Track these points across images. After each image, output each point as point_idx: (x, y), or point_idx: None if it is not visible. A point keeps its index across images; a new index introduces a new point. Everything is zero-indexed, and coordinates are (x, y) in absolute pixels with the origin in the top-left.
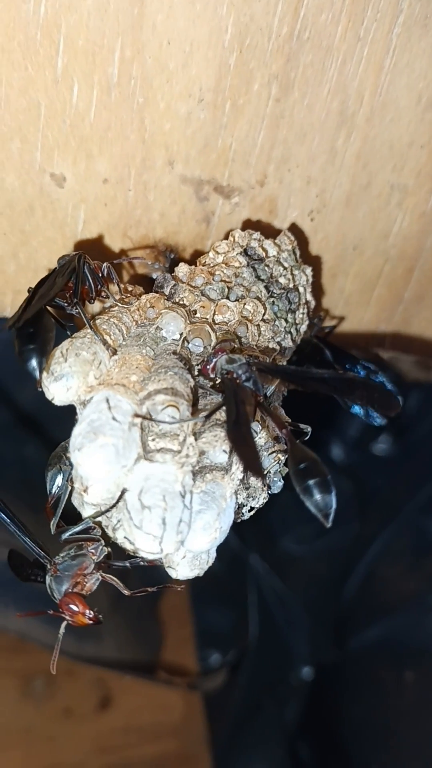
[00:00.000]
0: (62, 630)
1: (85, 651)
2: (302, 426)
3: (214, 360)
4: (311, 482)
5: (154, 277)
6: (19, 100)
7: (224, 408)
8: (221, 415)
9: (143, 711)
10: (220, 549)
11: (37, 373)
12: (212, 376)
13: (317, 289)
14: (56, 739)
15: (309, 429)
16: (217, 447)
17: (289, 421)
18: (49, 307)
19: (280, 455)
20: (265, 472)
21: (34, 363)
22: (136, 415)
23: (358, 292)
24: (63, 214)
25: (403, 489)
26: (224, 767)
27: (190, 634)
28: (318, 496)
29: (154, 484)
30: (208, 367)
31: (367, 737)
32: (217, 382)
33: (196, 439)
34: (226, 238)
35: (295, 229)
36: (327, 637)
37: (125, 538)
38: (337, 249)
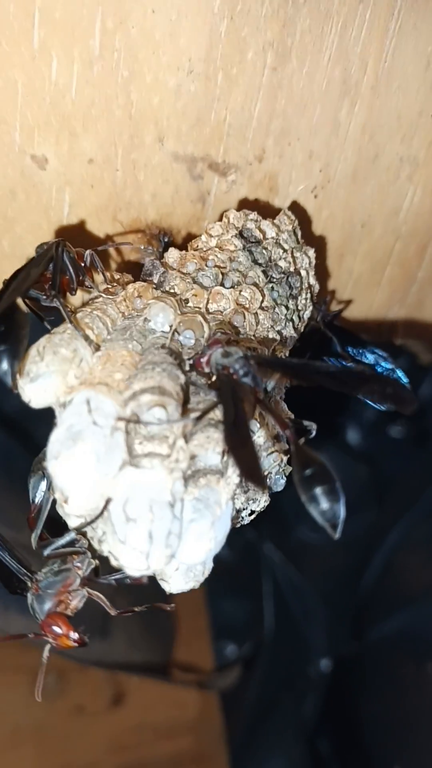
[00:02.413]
0: (45, 654)
1: (93, 649)
2: (306, 423)
3: (209, 353)
4: (318, 490)
5: (146, 263)
6: None
7: (218, 407)
8: (215, 414)
9: (157, 708)
10: (233, 538)
11: (8, 378)
12: (206, 370)
13: (323, 271)
14: (69, 737)
15: (314, 426)
16: (210, 449)
17: (292, 417)
18: (26, 300)
19: (281, 455)
20: (266, 474)
21: (4, 366)
22: (120, 419)
23: (368, 273)
24: (47, 198)
25: (420, 475)
26: (241, 765)
27: (204, 625)
28: (325, 505)
29: (140, 493)
30: (201, 360)
31: (388, 732)
32: (211, 377)
33: (186, 442)
34: (220, 219)
35: (297, 207)
36: (345, 628)
37: (110, 552)
38: (344, 227)
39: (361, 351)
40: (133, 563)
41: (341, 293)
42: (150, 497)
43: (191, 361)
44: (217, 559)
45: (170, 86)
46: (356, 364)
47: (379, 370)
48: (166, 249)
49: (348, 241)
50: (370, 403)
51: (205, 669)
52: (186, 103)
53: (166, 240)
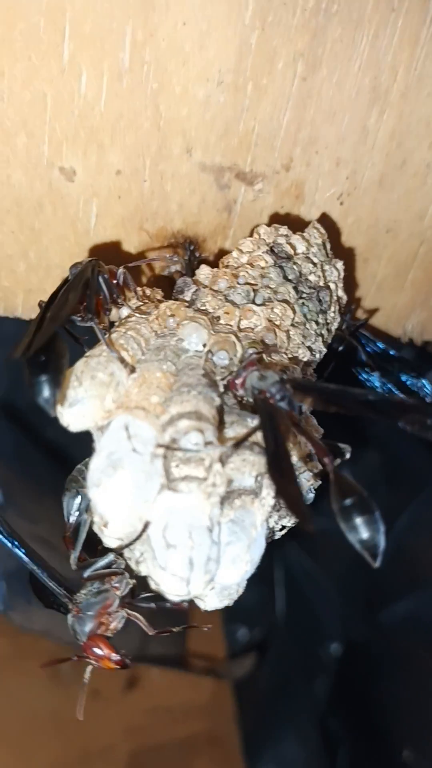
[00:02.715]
0: (87, 675)
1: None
2: (341, 446)
3: (244, 375)
4: (358, 520)
5: (173, 271)
6: (23, 92)
7: (256, 432)
8: (251, 437)
9: (171, 691)
10: None
11: (50, 407)
12: (240, 392)
13: (347, 276)
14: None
15: (349, 449)
16: (247, 473)
17: (322, 433)
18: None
19: (314, 474)
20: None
21: (46, 395)
22: (159, 446)
23: (392, 277)
24: (74, 210)
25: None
26: (254, 746)
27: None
28: (365, 535)
29: (179, 518)
30: (237, 382)
31: (399, 715)
32: (246, 399)
33: (223, 465)
34: (251, 234)
35: (322, 214)
36: (357, 612)
37: (150, 577)
38: (369, 233)
39: (390, 364)
40: (174, 589)
41: (364, 297)
42: (189, 523)
43: (225, 383)
44: (268, 541)
45: (199, 97)
46: (381, 373)
47: (403, 378)
48: (192, 258)
49: (373, 246)
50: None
51: (218, 654)
52: (215, 114)
53: (191, 248)
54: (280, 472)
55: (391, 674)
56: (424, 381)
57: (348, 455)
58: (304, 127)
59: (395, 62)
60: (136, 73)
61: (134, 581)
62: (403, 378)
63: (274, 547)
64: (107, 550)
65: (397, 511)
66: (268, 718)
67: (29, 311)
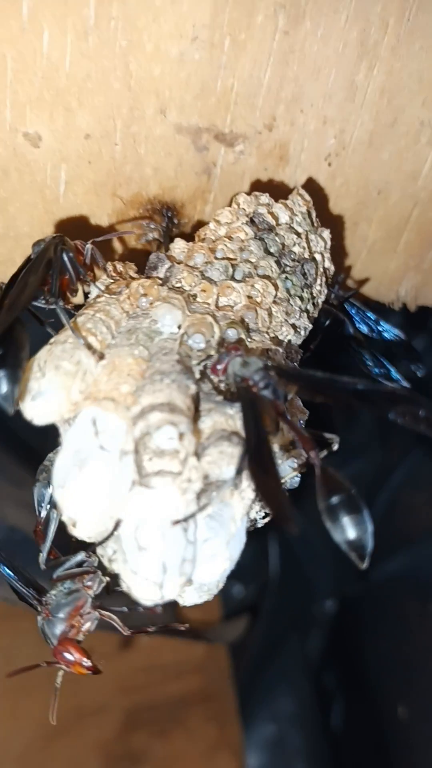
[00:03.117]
0: (58, 680)
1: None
2: (328, 436)
3: (226, 359)
4: (345, 519)
5: (150, 239)
6: None
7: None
8: (227, 424)
9: (165, 649)
10: None
11: (9, 404)
12: (222, 378)
13: (336, 240)
14: (79, 680)
15: (337, 439)
16: (224, 467)
17: (312, 431)
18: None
19: (299, 465)
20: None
21: (4, 391)
22: (125, 452)
23: (383, 240)
24: (42, 176)
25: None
26: (248, 702)
27: None
28: (353, 536)
29: (152, 518)
30: (218, 367)
31: (392, 670)
32: (225, 384)
33: (198, 459)
34: (230, 204)
35: (310, 181)
36: (349, 569)
37: (122, 580)
38: (358, 194)
39: (378, 330)
40: (146, 594)
41: (355, 262)
42: (162, 523)
43: (202, 368)
44: (249, 530)
45: (173, 55)
46: (369, 345)
47: (386, 336)
48: (169, 224)
49: (363, 209)
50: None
51: (213, 614)
52: (190, 72)
53: (169, 215)
54: (261, 468)
55: (383, 630)
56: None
57: (336, 446)
58: (287, 84)
59: (385, 13)
60: (103, 30)
61: (107, 578)
62: (386, 336)
63: None
64: (80, 546)
65: (390, 470)
66: (262, 674)
67: None
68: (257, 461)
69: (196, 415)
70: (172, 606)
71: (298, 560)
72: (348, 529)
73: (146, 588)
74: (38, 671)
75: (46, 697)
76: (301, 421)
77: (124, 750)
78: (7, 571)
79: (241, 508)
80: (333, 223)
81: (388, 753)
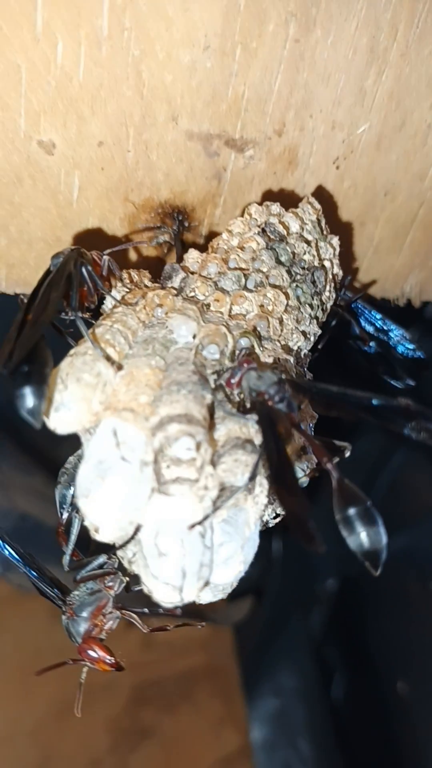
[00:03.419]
0: (83, 677)
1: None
2: (339, 444)
3: (240, 373)
4: (361, 530)
5: (161, 242)
6: None
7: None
8: (241, 432)
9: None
10: None
11: (36, 420)
12: (236, 392)
13: (343, 241)
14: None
15: (349, 447)
16: (239, 475)
17: (324, 440)
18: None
19: (311, 470)
20: None
21: (30, 406)
22: (145, 462)
23: (390, 239)
24: (55, 182)
25: (425, 397)
26: (252, 677)
27: None
28: (368, 546)
29: (171, 525)
30: (232, 381)
31: (392, 648)
32: (241, 397)
33: (214, 467)
34: (242, 213)
35: (319, 188)
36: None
37: (143, 583)
38: (366, 196)
39: (383, 329)
40: (167, 598)
41: (362, 260)
42: (180, 530)
43: (217, 378)
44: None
45: (184, 63)
46: (376, 345)
47: (400, 350)
48: (180, 227)
49: (370, 209)
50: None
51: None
52: (201, 79)
53: (179, 218)
54: (284, 484)
55: (384, 608)
56: (420, 353)
57: (348, 453)
58: (297, 90)
59: (395, 20)
60: (116, 40)
61: (127, 579)
62: (400, 349)
63: None
64: (101, 547)
65: (391, 450)
66: (266, 651)
67: (12, 285)
68: (280, 478)
69: (211, 424)
70: None
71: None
72: (364, 540)
73: (167, 592)
74: (47, 651)
75: (57, 677)
76: (311, 425)
77: (132, 725)
78: (33, 573)
79: (254, 512)
80: (341, 223)
81: (388, 726)
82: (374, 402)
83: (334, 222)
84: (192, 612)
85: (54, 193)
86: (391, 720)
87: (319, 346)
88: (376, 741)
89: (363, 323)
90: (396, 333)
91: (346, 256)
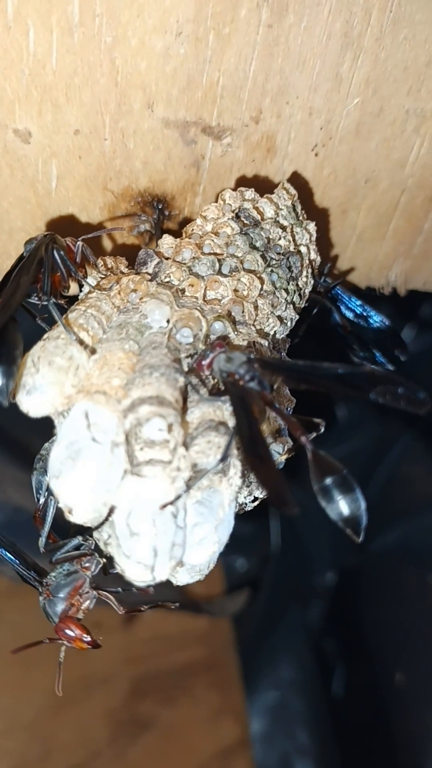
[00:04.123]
0: (62, 656)
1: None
2: (316, 420)
3: (211, 356)
4: (339, 499)
5: (142, 231)
6: None
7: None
8: (215, 415)
9: (169, 621)
10: None
11: (4, 398)
12: (207, 373)
13: (325, 229)
14: (87, 652)
15: (323, 423)
16: (212, 456)
17: (299, 417)
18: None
19: (287, 449)
20: None
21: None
22: (116, 443)
23: (373, 227)
24: (33, 171)
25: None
26: (251, 669)
27: None
28: (347, 513)
29: (143, 505)
30: (203, 363)
31: (390, 639)
32: (213, 380)
33: (187, 448)
34: (216, 199)
35: (296, 175)
36: (349, 541)
37: (116, 563)
38: (347, 183)
39: (363, 316)
40: (139, 576)
41: (345, 249)
42: (153, 510)
43: (192, 364)
44: (238, 513)
45: (158, 50)
46: (356, 332)
47: (372, 324)
48: (160, 216)
49: (351, 197)
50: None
51: (216, 588)
52: (175, 66)
53: (159, 207)
54: (258, 457)
55: (382, 600)
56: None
57: (322, 429)
58: (273, 76)
59: (368, 4)
60: (88, 27)
61: (104, 560)
62: (372, 324)
63: None
64: (79, 531)
65: (388, 443)
66: (265, 643)
67: None
68: (253, 451)
69: (184, 407)
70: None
71: (298, 534)
72: (343, 508)
73: (138, 571)
74: (46, 646)
75: (54, 669)
76: (289, 409)
77: (131, 717)
78: (9, 555)
79: (228, 494)
80: (322, 212)
81: (385, 717)
82: (340, 371)
83: (315, 210)
84: (189, 604)
85: (32, 182)
86: (388, 711)
87: (300, 333)
88: (374, 732)
89: (343, 310)
90: (376, 319)
91: (329, 245)
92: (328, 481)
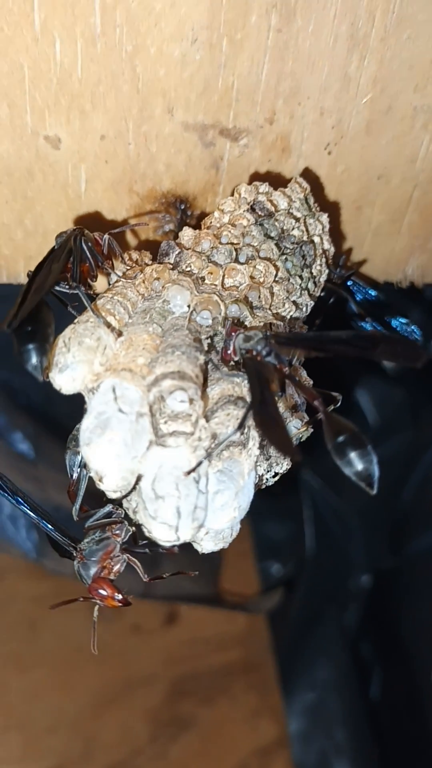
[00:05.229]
0: (96, 614)
1: (144, 583)
2: (333, 393)
3: (231, 342)
4: (352, 454)
5: (167, 231)
6: None
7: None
8: (233, 390)
9: (208, 624)
10: None
11: (39, 373)
12: (236, 358)
13: (341, 225)
14: (127, 654)
15: (339, 396)
16: (230, 427)
17: (317, 389)
18: (50, 291)
19: (304, 422)
20: None
21: (34, 362)
22: (141, 414)
23: (388, 222)
24: (64, 176)
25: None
26: (289, 670)
27: (249, 548)
28: (360, 467)
29: (167, 471)
30: (228, 352)
31: (427, 638)
32: (239, 362)
33: (207, 420)
34: (232, 194)
35: (307, 171)
36: (384, 544)
37: (142, 525)
38: (360, 180)
39: (377, 309)
40: (163, 536)
41: (361, 244)
42: (176, 475)
43: (210, 341)
44: (259, 488)
45: (175, 57)
46: (373, 320)
47: (394, 324)
48: (183, 216)
49: (365, 193)
50: (383, 360)
51: (252, 590)
52: (192, 72)
53: (182, 207)
54: (265, 415)
55: (418, 601)
56: (413, 327)
57: (339, 403)
58: (284, 79)
59: (371, 6)
60: (110, 37)
61: (134, 528)
62: (394, 324)
63: (301, 487)
64: (109, 502)
65: (424, 447)
66: (301, 645)
67: None
68: (263, 412)
69: (204, 384)
70: (214, 580)
71: (333, 538)
72: (355, 463)
73: (163, 531)
74: (87, 646)
75: (97, 670)
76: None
77: (171, 716)
78: (47, 524)
79: (248, 464)
80: (338, 208)
81: (423, 717)
82: (345, 336)
83: (331, 206)
84: (225, 602)
85: (63, 186)
86: (425, 711)
87: (317, 323)
88: (411, 732)
89: (359, 301)
90: (390, 312)
91: (346, 240)
92: (341, 439)
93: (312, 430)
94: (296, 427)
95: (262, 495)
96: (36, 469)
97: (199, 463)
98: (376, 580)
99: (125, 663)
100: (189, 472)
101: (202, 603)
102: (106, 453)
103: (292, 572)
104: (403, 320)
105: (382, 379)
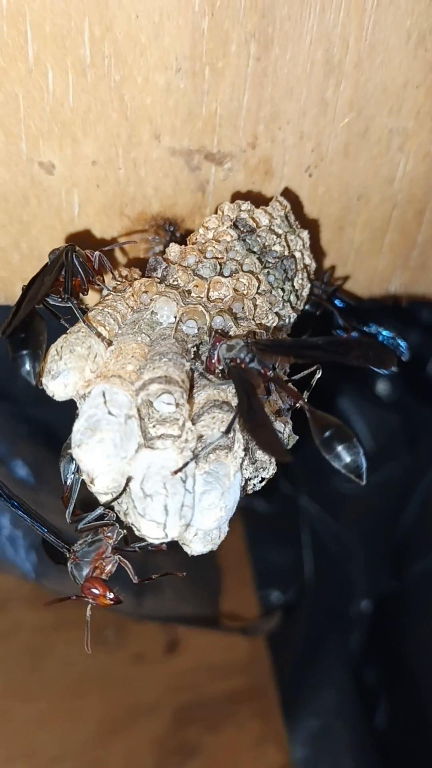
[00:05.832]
0: (88, 613)
1: (144, 606)
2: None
3: (215, 352)
4: (339, 448)
5: (156, 252)
6: None
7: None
8: (219, 396)
9: (210, 651)
10: (271, 493)
11: (32, 378)
12: (220, 367)
13: (324, 244)
14: (131, 682)
15: (319, 368)
16: (215, 429)
17: (288, 378)
18: (44, 304)
19: (285, 426)
20: None
21: (27, 367)
22: (129, 416)
23: (369, 241)
24: (57, 201)
25: None
26: (293, 698)
27: (248, 575)
28: (348, 459)
29: (155, 471)
30: (213, 361)
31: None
32: (224, 371)
33: (194, 423)
34: (216, 212)
35: (289, 192)
36: (384, 569)
37: (132, 524)
38: (341, 201)
39: (367, 326)
40: (152, 533)
41: (345, 263)
42: (164, 475)
43: (203, 366)
44: (257, 514)
45: (161, 85)
46: (358, 334)
47: (380, 338)
48: (172, 238)
49: (346, 214)
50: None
51: (251, 617)
52: (177, 99)
53: (171, 229)
54: (255, 422)
55: (421, 625)
56: (398, 340)
57: (318, 374)
58: (264, 104)
59: (345, 33)
60: (99, 67)
61: (125, 531)
62: (380, 338)
63: (300, 515)
64: (101, 506)
65: (422, 470)
66: (305, 672)
67: None
68: (251, 417)
69: (191, 390)
70: (214, 602)
71: (333, 564)
72: (343, 455)
73: (152, 528)
74: (91, 675)
75: (102, 698)
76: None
77: (177, 744)
78: (42, 528)
79: (233, 466)
80: (320, 228)
81: (430, 743)
82: (320, 342)
83: (314, 226)
84: (224, 625)
85: (57, 210)
86: None
87: (304, 337)
88: (420, 759)
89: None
90: (374, 328)
91: (330, 260)
92: (327, 434)
93: (297, 437)
94: (280, 431)
95: (261, 523)
96: (36, 495)
97: (186, 464)
98: (378, 605)
99: (129, 691)
100: (176, 472)
101: (201, 625)
102: (96, 453)
103: (292, 599)
104: (388, 333)
105: (377, 405)
